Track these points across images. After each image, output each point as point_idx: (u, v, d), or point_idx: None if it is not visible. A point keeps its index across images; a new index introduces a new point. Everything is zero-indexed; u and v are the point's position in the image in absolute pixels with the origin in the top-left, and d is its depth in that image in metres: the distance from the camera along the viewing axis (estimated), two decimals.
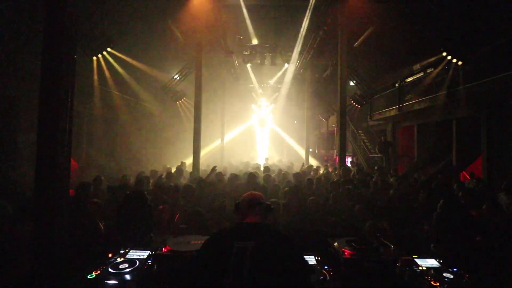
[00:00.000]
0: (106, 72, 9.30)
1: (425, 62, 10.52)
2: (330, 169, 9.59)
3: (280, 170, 8.10)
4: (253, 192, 1.82)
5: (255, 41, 11.13)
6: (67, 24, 2.57)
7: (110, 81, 9.75)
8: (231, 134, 18.77)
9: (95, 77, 9.06)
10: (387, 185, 5.45)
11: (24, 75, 6.25)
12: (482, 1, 7.40)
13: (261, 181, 6.11)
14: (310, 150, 16.20)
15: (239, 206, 1.68)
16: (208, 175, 6.70)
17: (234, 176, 6.19)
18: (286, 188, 4.70)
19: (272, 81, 16.89)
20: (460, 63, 7.83)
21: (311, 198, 4.22)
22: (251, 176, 5.69)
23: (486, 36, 7.61)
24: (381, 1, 7.78)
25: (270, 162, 12.31)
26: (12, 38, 6.11)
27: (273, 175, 7.29)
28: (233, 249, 1.32)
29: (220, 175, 6.54)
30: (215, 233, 1.57)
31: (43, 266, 2.19)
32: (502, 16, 7.12)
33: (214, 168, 7.07)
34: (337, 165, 9.18)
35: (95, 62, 8.44)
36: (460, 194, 4.48)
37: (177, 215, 3.55)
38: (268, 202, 1.70)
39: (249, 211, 1.62)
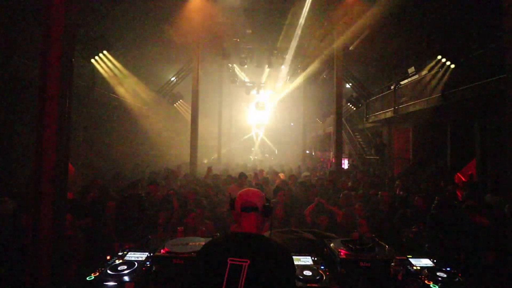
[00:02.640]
0: (103, 75, 9.28)
1: (420, 65, 10.65)
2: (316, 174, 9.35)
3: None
4: (250, 190, 1.52)
5: (251, 44, 11.21)
6: (65, 27, 2.58)
7: (107, 84, 9.72)
8: (229, 132, 18.88)
9: (92, 79, 9.03)
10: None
11: (22, 77, 6.22)
12: (476, 5, 7.54)
13: None
14: (307, 152, 16.27)
15: (233, 206, 1.48)
16: (206, 177, 6.72)
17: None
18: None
19: (269, 83, 16.98)
20: (452, 66, 7.95)
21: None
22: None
23: (479, 39, 7.75)
24: (377, 4, 7.89)
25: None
26: (9, 40, 6.08)
27: None
28: (226, 266, 1.23)
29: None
30: (208, 244, 1.41)
31: (42, 268, 2.19)
32: (496, 19, 7.25)
33: (210, 169, 7.07)
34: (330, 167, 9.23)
35: (95, 64, 8.42)
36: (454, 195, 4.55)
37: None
38: (266, 204, 1.46)
39: (243, 216, 1.43)
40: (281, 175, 7.73)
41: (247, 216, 1.42)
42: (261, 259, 1.26)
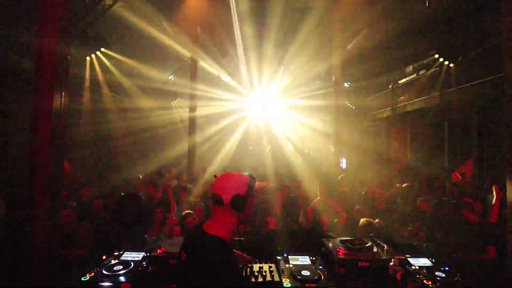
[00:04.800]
0: (99, 73, 9.20)
1: (418, 64, 10.67)
2: None
3: None
4: (222, 177, 1.24)
5: (250, 42, 11.16)
6: (61, 24, 2.54)
7: (103, 82, 9.64)
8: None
9: (88, 77, 8.95)
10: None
11: (17, 75, 6.14)
12: (473, 5, 7.55)
13: None
14: (306, 151, 16.25)
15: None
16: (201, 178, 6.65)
17: None
18: None
19: (268, 81, 16.92)
20: (451, 65, 7.97)
21: None
22: None
23: (477, 38, 7.76)
24: (375, 3, 7.88)
25: None
26: (5, 38, 6.00)
27: None
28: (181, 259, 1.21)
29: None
30: None
31: (36, 267, 2.16)
32: (492, 20, 7.26)
33: (203, 170, 7.03)
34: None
35: (88, 62, 8.34)
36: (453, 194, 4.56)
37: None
38: (237, 194, 1.17)
39: (214, 209, 1.22)
40: None
41: (215, 209, 1.21)
42: (196, 259, 1.15)
